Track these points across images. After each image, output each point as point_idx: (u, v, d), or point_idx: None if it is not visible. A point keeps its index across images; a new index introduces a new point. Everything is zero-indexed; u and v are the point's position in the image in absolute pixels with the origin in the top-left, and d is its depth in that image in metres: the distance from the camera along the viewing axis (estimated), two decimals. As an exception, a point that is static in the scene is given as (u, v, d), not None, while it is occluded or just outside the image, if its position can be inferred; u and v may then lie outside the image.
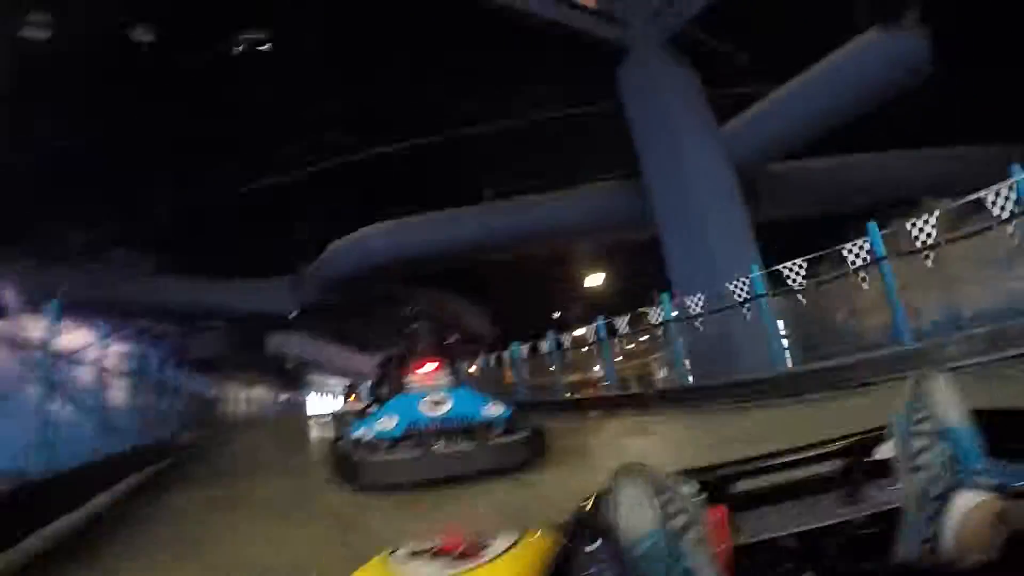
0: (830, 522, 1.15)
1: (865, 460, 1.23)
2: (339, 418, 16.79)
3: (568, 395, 16.50)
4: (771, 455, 1.29)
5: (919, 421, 1.01)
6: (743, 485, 1.26)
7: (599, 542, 0.93)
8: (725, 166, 14.47)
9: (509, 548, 0.92)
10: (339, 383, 40.33)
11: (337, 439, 8.22)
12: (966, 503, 0.87)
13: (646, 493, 0.89)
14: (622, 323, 13.57)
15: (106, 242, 21.89)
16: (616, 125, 16.23)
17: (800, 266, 9.57)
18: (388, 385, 8.68)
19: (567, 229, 17.77)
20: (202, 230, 21.86)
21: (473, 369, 23.82)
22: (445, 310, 26.59)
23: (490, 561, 0.88)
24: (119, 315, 22.80)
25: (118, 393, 12.23)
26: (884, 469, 1.18)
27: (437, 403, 7.18)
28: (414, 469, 6.48)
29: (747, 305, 10.47)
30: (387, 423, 7.00)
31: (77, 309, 17.33)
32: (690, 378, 12.85)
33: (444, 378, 8.00)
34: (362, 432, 7.09)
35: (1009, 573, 0.82)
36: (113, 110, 15.89)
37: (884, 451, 1.18)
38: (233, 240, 22.36)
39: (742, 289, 10.49)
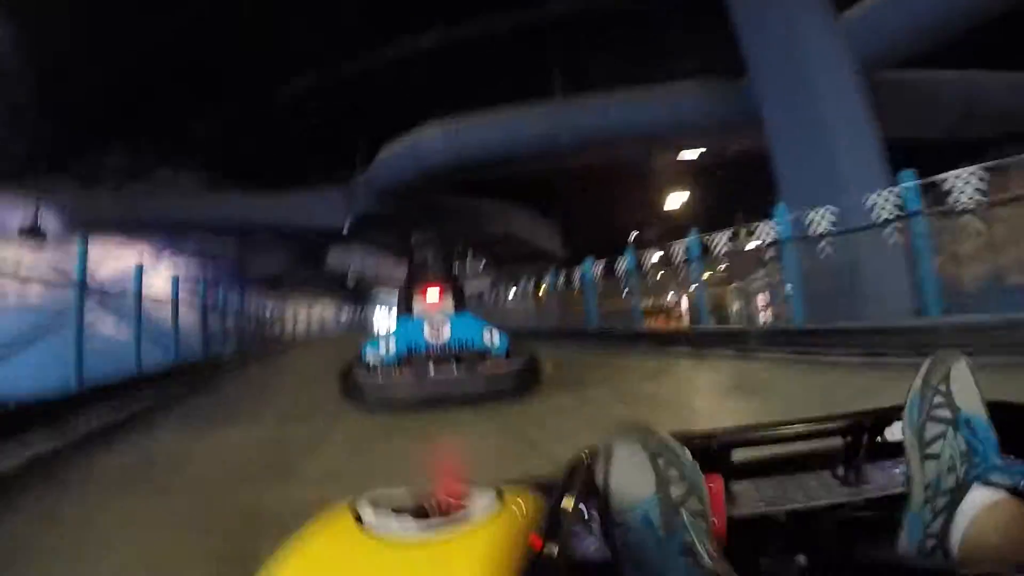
0: (829, 502, 1.08)
1: (874, 440, 1.12)
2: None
3: (648, 325, 14.65)
4: (773, 424, 1.14)
5: (936, 406, 0.92)
6: (741, 455, 1.14)
7: (589, 505, 0.85)
8: (849, 61, 11.58)
9: (490, 508, 0.76)
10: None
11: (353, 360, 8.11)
12: (980, 500, 0.81)
13: (644, 454, 0.81)
14: (718, 240, 11.35)
15: (149, 161, 20.84)
16: (711, 12, 13.57)
17: (976, 177, 7.18)
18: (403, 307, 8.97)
19: (650, 131, 15.17)
20: (249, 141, 20.39)
21: (541, 291, 22.12)
22: (483, 226, 25.18)
23: (469, 523, 0.72)
24: (173, 234, 22.43)
25: (171, 312, 13.07)
26: (893, 451, 1.07)
27: (438, 329, 7.49)
28: (408, 391, 6.92)
29: (892, 226, 8.16)
30: (389, 347, 7.40)
31: (127, 230, 16.74)
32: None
33: (447, 305, 8.34)
34: (369, 355, 7.46)
35: None
36: (140, 22, 14.41)
37: (895, 432, 1.06)
38: (282, 150, 20.89)
39: (883, 206, 8.17)
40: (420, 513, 0.73)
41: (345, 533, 0.72)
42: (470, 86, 17.64)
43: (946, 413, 0.91)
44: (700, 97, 14.90)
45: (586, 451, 0.92)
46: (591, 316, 16.34)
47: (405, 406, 6.73)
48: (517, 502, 0.80)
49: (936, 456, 0.89)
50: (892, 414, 1.08)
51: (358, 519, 0.73)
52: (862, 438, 1.13)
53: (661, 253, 14.25)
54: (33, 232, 16.51)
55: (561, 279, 19.05)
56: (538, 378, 7.65)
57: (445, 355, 7.34)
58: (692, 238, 11.93)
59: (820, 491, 1.12)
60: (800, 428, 1.14)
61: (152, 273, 21.15)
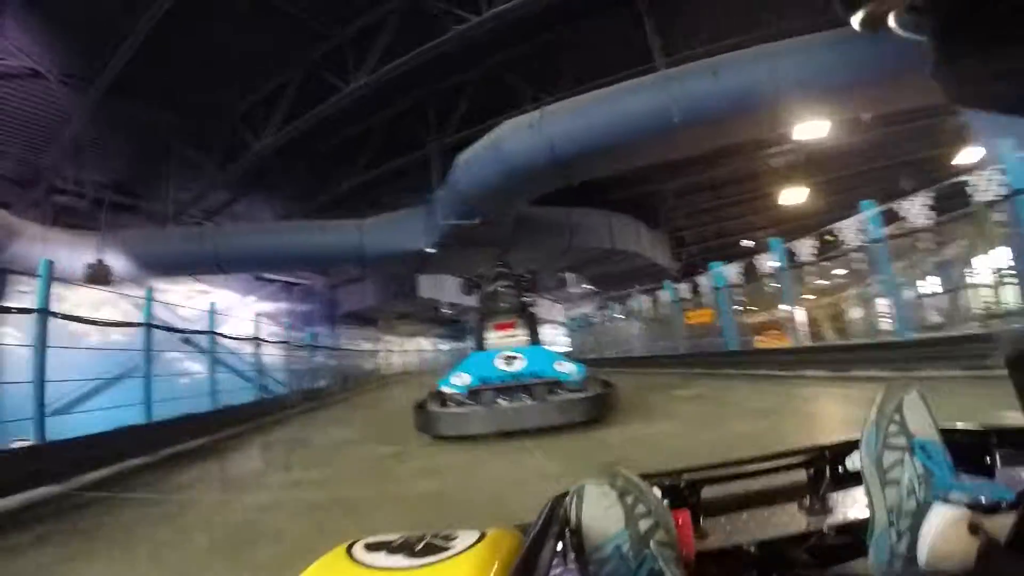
0: (797, 531, 1.13)
1: (835, 470, 1.22)
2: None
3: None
4: (739, 462, 1.21)
5: (892, 434, 0.98)
6: (709, 491, 1.19)
7: (563, 542, 0.88)
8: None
9: (472, 545, 0.83)
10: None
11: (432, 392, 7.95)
12: (941, 518, 0.85)
13: (613, 493, 0.90)
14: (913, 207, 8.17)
15: (223, 196, 19.88)
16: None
17: None
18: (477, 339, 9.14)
19: (771, 95, 11.99)
20: (319, 164, 18.78)
21: (648, 306, 19.29)
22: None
23: (452, 557, 0.80)
24: (249, 269, 21.21)
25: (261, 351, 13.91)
26: (854, 479, 1.17)
27: (510, 360, 7.47)
28: (477, 422, 6.72)
29: None
30: (462, 379, 7.32)
31: (199, 267, 15.76)
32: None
33: (520, 336, 8.52)
34: (444, 387, 7.39)
35: None
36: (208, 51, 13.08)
37: (855, 461, 1.17)
38: (355, 171, 19.13)
39: None
40: (409, 551, 0.79)
41: (337, 566, 0.78)
42: (554, 68, 15.14)
43: (901, 440, 0.96)
44: (827, 49, 11.68)
45: (562, 493, 0.98)
46: (728, 335, 13.25)
47: (476, 438, 6.57)
48: (498, 540, 0.85)
49: (896, 482, 0.93)
50: (851, 445, 1.16)
51: (351, 557, 0.80)
52: (824, 469, 1.20)
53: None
54: (98, 272, 15.45)
55: (677, 291, 16.04)
56: (609, 405, 7.37)
57: (517, 386, 7.16)
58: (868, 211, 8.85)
59: (788, 522, 1.16)
60: (766, 463, 1.20)
61: (244, 310, 20.42)
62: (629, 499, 0.88)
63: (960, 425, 1.14)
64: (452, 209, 16.10)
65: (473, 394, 7.12)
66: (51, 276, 6.55)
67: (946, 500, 0.86)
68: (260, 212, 21.23)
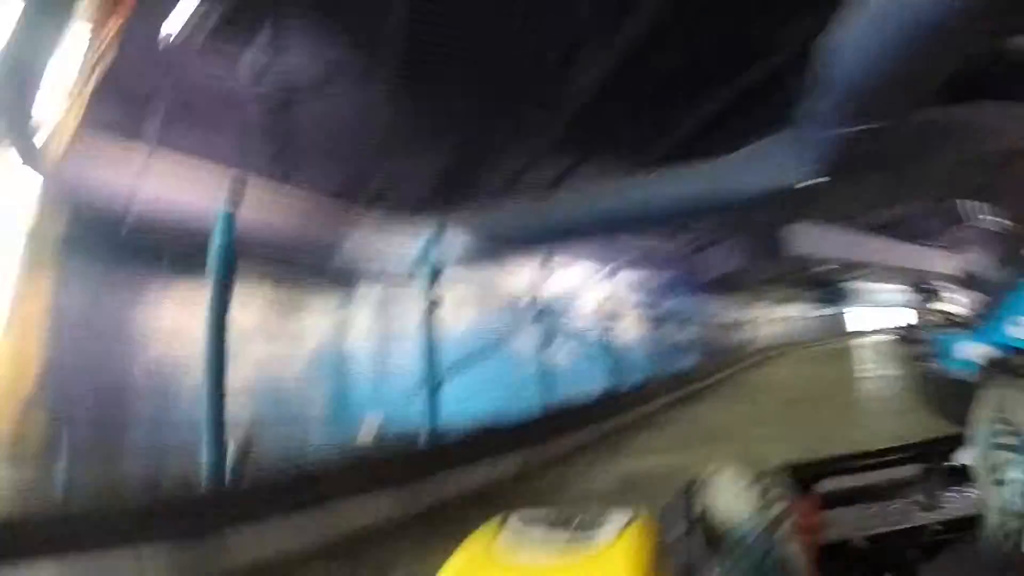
0: (907, 526, 1.22)
1: (943, 465, 1.27)
2: (909, 338, 13.79)
3: None
4: (854, 456, 1.34)
5: (998, 433, 0.99)
6: (827, 484, 1.31)
7: (699, 527, 0.97)
8: None
9: (621, 531, 0.92)
10: (894, 291, 32.23)
11: (919, 357, 5.27)
12: None
13: (743, 481, 0.97)
14: None
15: (565, 163, 18.47)
16: None
17: None
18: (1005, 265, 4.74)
19: None
20: (646, 107, 15.77)
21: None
22: None
23: (602, 547, 0.88)
24: (592, 237, 19.48)
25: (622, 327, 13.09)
26: (962, 475, 1.20)
27: None
28: None
29: None
30: None
31: (538, 240, 16.67)
32: None
33: None
34: (981, 348, 4.62)
35: None
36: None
37: (963, 457, 1.21)
38: (693, 105, 16.01)
39: None
40: (560, 529, 0.87)
41: (479, 559, 0.87)
42: None
43: (1011, 440, 0.97)
44: None
45: (695, 480, 1.06)
46: None
47: None
48: (644, 526, 0.92)
49: (1005, 482, 0.94)
50: (961, 439, 1.18)
51: (506, 530, 0.90)
52: (935, 464, 1.28)
53: None
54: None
55: None
56: None
57: None
58: None
59: (901, 516, 1.25)
60: (880, 458, 1.32)
61: (599, 285, 19.00)
62: (758, 488, 0.95)
63: None
64: (829, 119, 11.64)
65: None
66: (231, 229, 5.81)
67: None
68: (598, 177, 19.46)
